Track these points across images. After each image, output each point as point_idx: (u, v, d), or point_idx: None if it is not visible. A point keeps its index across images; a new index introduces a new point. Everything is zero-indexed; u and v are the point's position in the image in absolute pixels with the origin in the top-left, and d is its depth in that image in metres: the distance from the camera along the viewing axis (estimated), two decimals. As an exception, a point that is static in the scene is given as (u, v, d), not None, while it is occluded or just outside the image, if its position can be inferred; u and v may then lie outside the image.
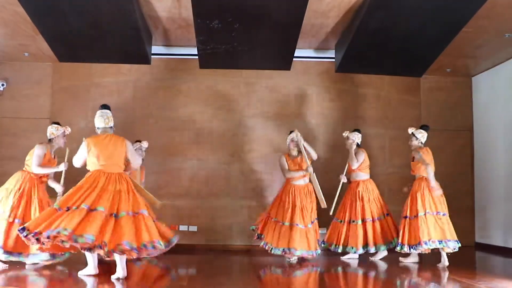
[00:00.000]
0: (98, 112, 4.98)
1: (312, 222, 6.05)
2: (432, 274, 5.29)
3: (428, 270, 5.54)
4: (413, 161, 6.21)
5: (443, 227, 5.82)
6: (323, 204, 6.04)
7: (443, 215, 5.95)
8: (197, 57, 7.37)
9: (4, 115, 7.67)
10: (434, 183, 5.91)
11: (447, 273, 5.29)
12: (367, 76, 7.85)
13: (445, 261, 5.71)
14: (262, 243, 6.03)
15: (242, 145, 7.61)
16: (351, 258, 6.30)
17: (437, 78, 8.12)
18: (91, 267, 4.63)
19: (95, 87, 7.61)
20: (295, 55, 7.30)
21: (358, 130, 6.63)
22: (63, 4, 5.91)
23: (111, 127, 4.95)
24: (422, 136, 6.17)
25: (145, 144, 6.45)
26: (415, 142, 6.19)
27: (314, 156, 6.26)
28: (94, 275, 4.59)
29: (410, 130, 6.25)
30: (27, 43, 7.02)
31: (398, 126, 7.85)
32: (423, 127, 6.26)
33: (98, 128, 4.92)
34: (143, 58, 7.37)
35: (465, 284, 4.59)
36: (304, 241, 5.88)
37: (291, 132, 6.31)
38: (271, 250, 5.89)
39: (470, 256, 7.18)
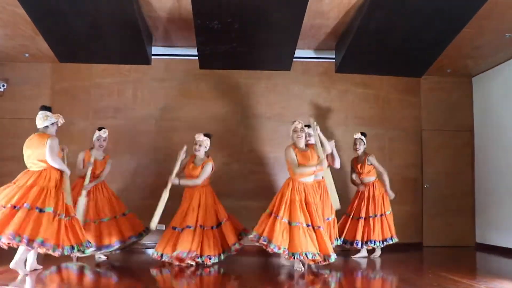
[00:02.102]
0: None
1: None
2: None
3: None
4: (358, 164, 6.71)
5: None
6: (337, 205, 5.63)
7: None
8: (197, 57, 7.38)
9: (4, 116, 7.67)
10: (389, 188, 6.72)
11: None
12: (367, 76, 7.85)
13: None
14: (273, 246, 5.15)
15: (242, 145, 7.60)
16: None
17: (437, 79, 8.12)
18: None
19: (95, 87, 7.61)
20: (295, 55, 7.30)
21: (308, 126, 5.97)
22: (63, 4, 5.92)
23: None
24: (365, 141, 6.73)
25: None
26: (363, 147, 6.69)
27: (328, 149, 5.70)
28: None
29: (358, 135, 6.70)
30: (27, 43, 7.03)
31: (398, 126, 7.86)
32: (364, 134, 6.78)
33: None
34: (143, 58, 7.38)
35: (466, 284, 4.58)
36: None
37: (295, 121, 5.69)
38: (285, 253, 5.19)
39: (471, 256, 7.18)
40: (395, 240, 6.65)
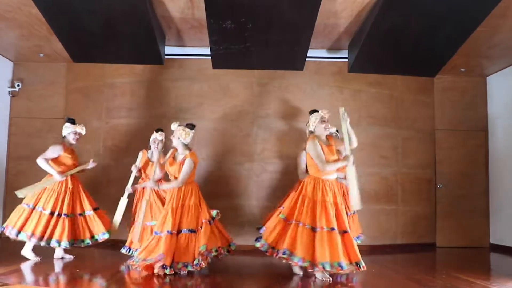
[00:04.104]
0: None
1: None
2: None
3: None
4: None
5: None
6: (357, 205, 4.94)
7: None
8: (210, 57, 7.39)
9: (19, 115, 7.76)
10: None
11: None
12: (380, 76, 7.81)
13: None
14: (297, 260, 4.73)
15: (254, 145, 7.60)
16: None
17: (451, 78, 8.06)
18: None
19: (108, 87, 7.67)
20: (308, 55, 7.28)
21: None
22: (77, 5, 5.98)
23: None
24: None
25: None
26: None
27: (355, 143, 5.13)
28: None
29: (332, 130, 6.33)
30: (42, 44, 7.11)
31: (412, 126, 7.82)
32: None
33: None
34: (156, 58, 7.40)
35: (479, 286, 4.55)
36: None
37: (314, 111, 5.28)
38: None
39: (485, 257, 7.12)
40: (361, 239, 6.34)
